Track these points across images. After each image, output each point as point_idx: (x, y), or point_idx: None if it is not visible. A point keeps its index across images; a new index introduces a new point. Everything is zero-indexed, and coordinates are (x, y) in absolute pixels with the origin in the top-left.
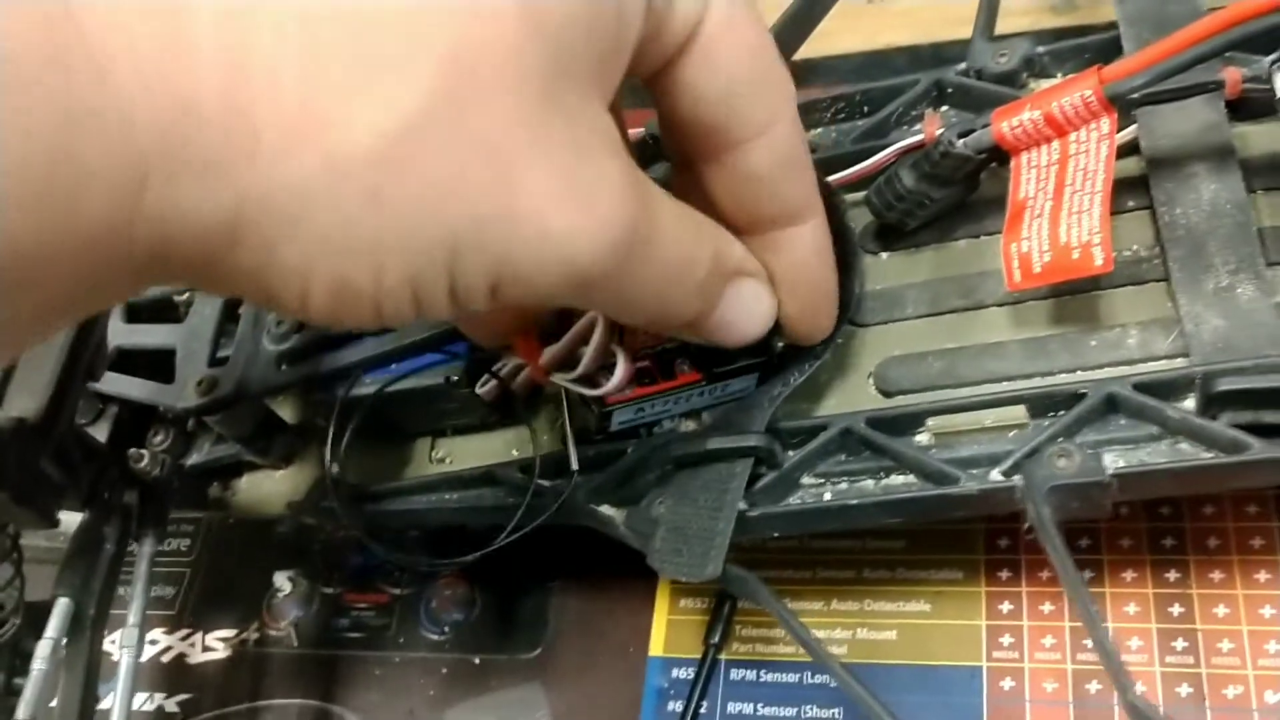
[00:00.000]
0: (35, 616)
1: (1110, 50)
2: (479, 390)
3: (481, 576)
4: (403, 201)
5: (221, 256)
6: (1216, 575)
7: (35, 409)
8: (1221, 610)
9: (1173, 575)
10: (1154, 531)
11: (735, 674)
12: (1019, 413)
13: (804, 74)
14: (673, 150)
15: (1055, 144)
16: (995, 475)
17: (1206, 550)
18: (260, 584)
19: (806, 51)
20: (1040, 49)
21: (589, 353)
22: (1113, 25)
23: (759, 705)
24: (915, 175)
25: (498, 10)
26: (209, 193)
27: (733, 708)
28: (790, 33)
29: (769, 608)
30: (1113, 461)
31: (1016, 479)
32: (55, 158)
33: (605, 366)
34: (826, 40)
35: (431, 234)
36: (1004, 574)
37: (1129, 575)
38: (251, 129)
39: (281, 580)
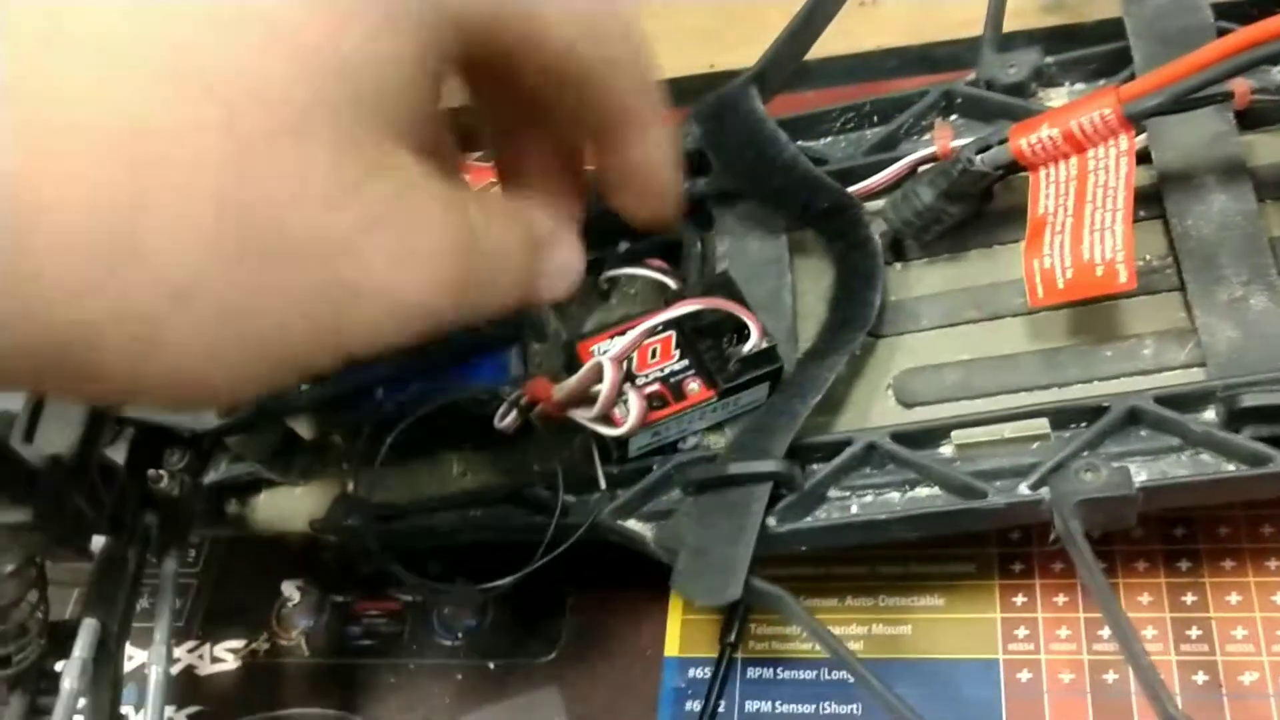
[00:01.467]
0: (58, 636)
1: (1118, 61)
2: (499, 424)
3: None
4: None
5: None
6: (1228, 564)
7: (69, 445)
8: (1234, 598)
9: (1185, 565)
10: (1165, 521)
11: (752, 672)
12: (1040, 424)
13: (794, 76)
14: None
15: (1073, 160)
16: (1023, 489)
17: (1218, 539)
18: (269, 594)
19: None
20: (1049, 59)
21: (603, 394)
22: (1103, 24)
23: (777, 703)
24: (933, 191)
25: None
26: None
27: (750, 706)
28: (798, 37)
29: (796, 620)
30: (1137, 474)
31: (1043, 492)
32: None
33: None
34: (817, 42)
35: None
36: (1017, 567)
37: (1141, 565)
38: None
39: (290, 589)
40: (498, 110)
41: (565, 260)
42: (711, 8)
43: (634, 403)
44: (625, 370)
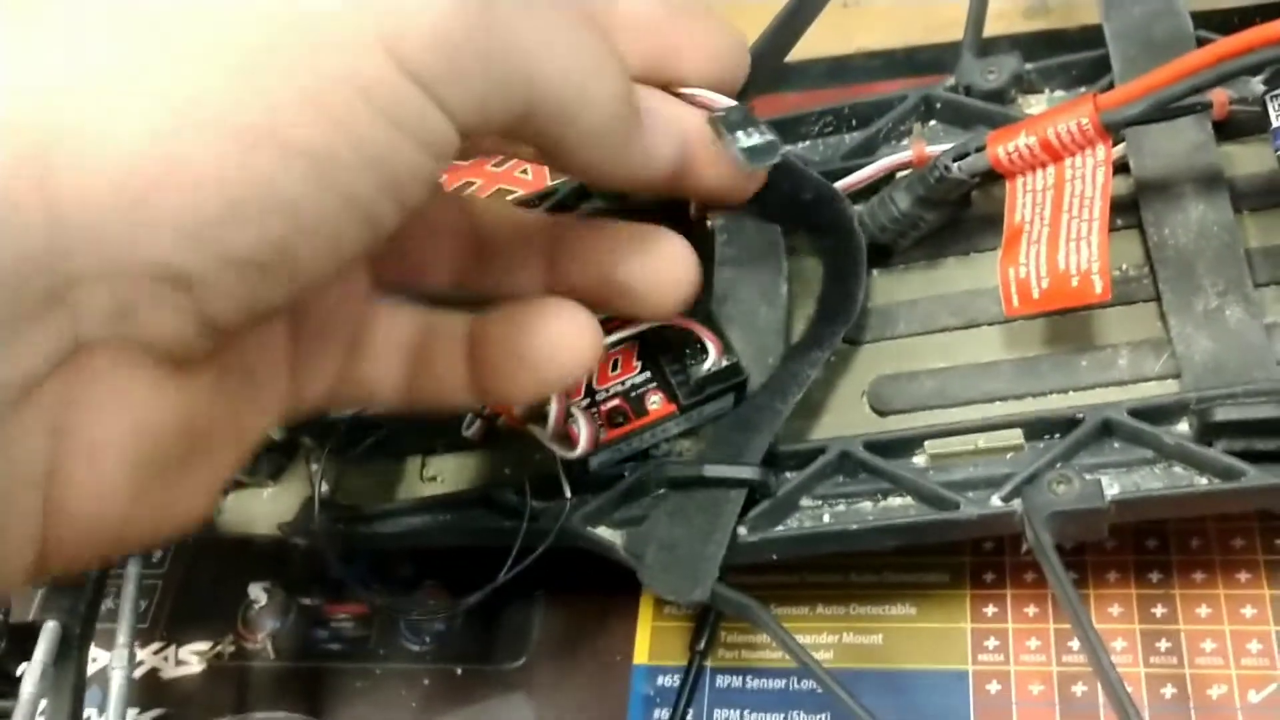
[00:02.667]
0: (18, 639)
1: (1098, 68)
2: (466, 433)
3: (462, 586)
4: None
5: None
6: (1199, 576)
7: None
8: (1204, 610)
9: (1155, 576)
10: (1137, 532)
11: (721, 681)
12: (1014, 434)
13: (778, 77)
14: None
15: (1050, 169)
16: (995, 501)
17: (1189, 550)
18: (235, 596)
19: None
20: (1029, 66)
21: (551, 416)
22: (1086, 30)
23: (745, 712)
24: (910, 198)
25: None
26: None
27: (719, 714)
28: (779, 37)
29: (766, 629)
30: (1109, 486)
31: (1016, 504)
32: None
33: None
34: (800, 43)
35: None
36: (989, 576)
37: (1112, 576)
38: None
39: (257, 591)
40: None
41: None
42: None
43: (583, 427)
44: (586, 385)
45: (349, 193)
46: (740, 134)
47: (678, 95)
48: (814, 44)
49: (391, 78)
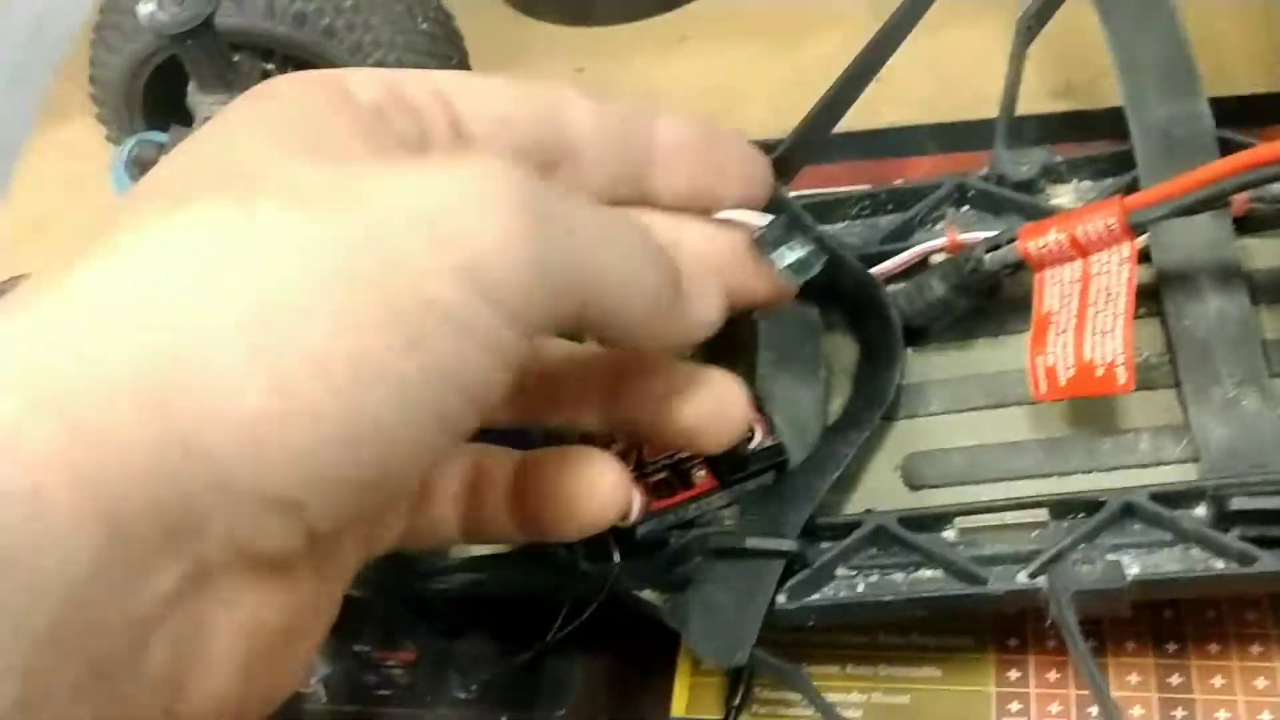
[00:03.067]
0: None
1: (1123, 163)
2: None
3: (510, 634)
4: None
5: None
6: (1214, 647)
7: None
8: (1219, 681)
9: (1172, 646)
10: (1155, 604)
11: None
12: (1040, 513)
13: (806, 150)
14: None
15: (1078, 263)
16: (1021, 578)
17: (1204, 622)
18: None
19: None
20: (1058, 159)
21: None
22: (1112, 112)
23: None
24: (944, 286)
25: None
26: None
27: None
28: (820, 122)
29: (803, 693)
30: (1130, 566)
31: (1041, 581)
32: None
33: None
34: None
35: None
36: (1012, 641)
37: (1130, 645)
38: None
39: None
40: None
41: (701, 233)
42: (726, 72)
43: (636, 500)
44: (636, 457)
45: (440, 412)
46: (784, 249)
47: (716, 220)
48: (847, 117)
49: (472, 302)
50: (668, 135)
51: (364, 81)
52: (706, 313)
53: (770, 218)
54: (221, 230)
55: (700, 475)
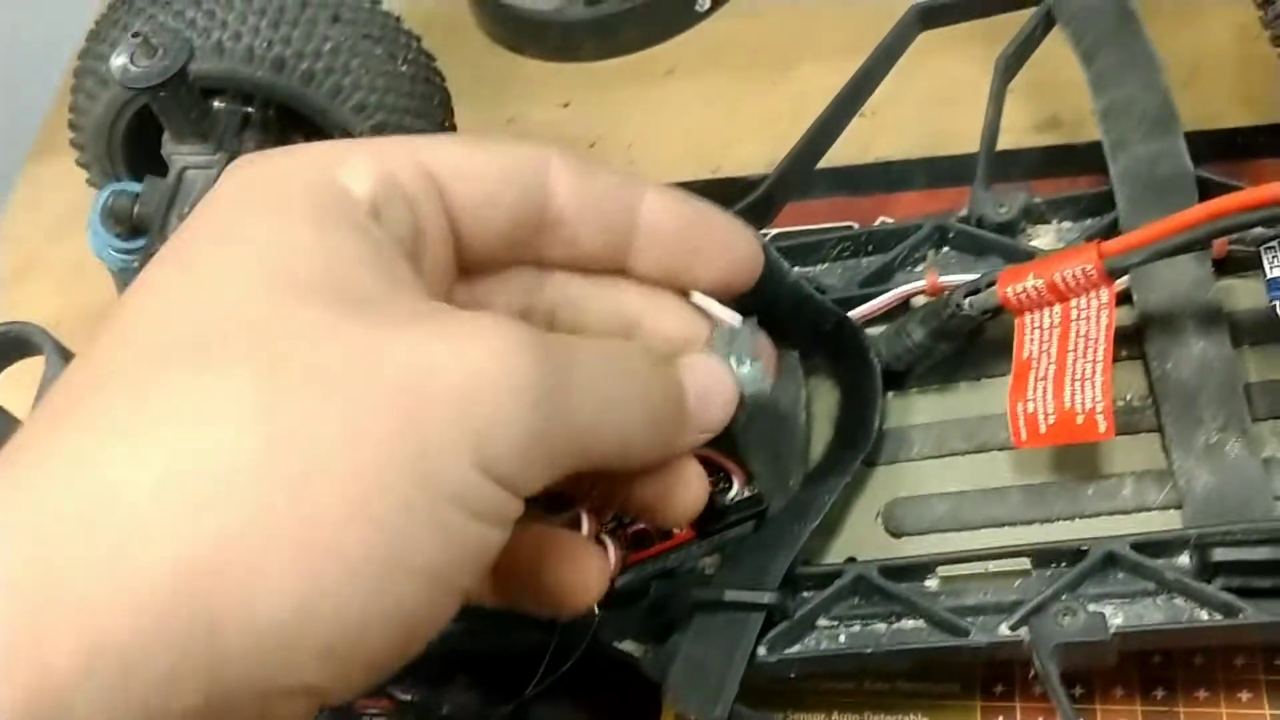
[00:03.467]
0: None
1: (1102, 204)
2: None
3: (491, 686)
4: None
5: None
6: (1202, 693)
7: None
8: None
9: (1160, 693)
10: (1142, 650)
11: None
12: (1022, 562)
13: (790, 185)
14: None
15: (1057, 308)
16: (1004, 629)
17: (1192, 668)
18: None
19: None
20: (1037, 199)
21: None
22: (1095, 146)
23: None
24: (924, 330)
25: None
26: None
27: None
28: (809, 149)
29: None
30: (1113, 617)
31: (1023, 633)
32: None
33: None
34: None
35: None
36: (999, 688)
37: (1119, 692)
38: None
39: None
40: None
41: (709, 370)
42: (712, 106)
43: (611, 551)
44: (608, 521)
45: (459, 585)
46: (732, 359)
47: (690, 303)
48: (833, 152)
49: (478, 482)
50: (653, 212)
51: (357, 170)
52: (710, 422)
53: (735, 317)
54: (249, 424)
55: (684, 537)
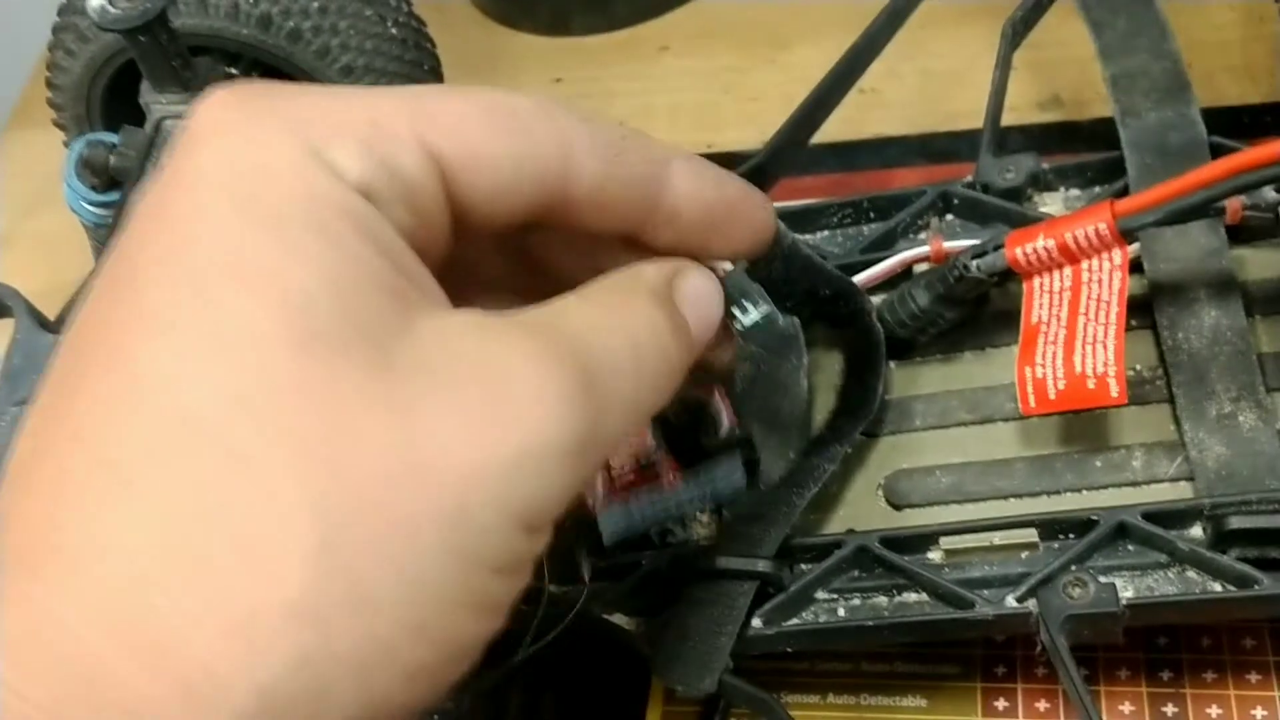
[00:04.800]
0: None
1: (1112, 170)
2: None
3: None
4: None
5: None
6: (1209, 675)
7: None
8: (1215, 710)
9: (1166, 674)
10: (1148, 630)
11: None
12: (1029, 533)
13: (798, 162)
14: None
15: (1067, 270)
16: (1010, 601)
17: (1199, 649)
18: None
19: None
20: (1045, 165)
21: None
22: (1099, 123)
23: None
24: (929, 296)
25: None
26: None
27: None
28: (803, 123)
29: None
30: (1124, 590)
31: (1030, 604)
32: None
33: None
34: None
35: None
36: (1000, 670)
37: (1124, 673)
38: None
39: None
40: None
41: (695, 286)
42: (706, 83)
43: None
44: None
45: (490, 637)
46: (742, 303)
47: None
48: (830, 129)
49: (520, 544)
50: (677, 198)
51: (346, 149)
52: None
53: (730, 267)
54: (307, 557)
55: (671, 477)
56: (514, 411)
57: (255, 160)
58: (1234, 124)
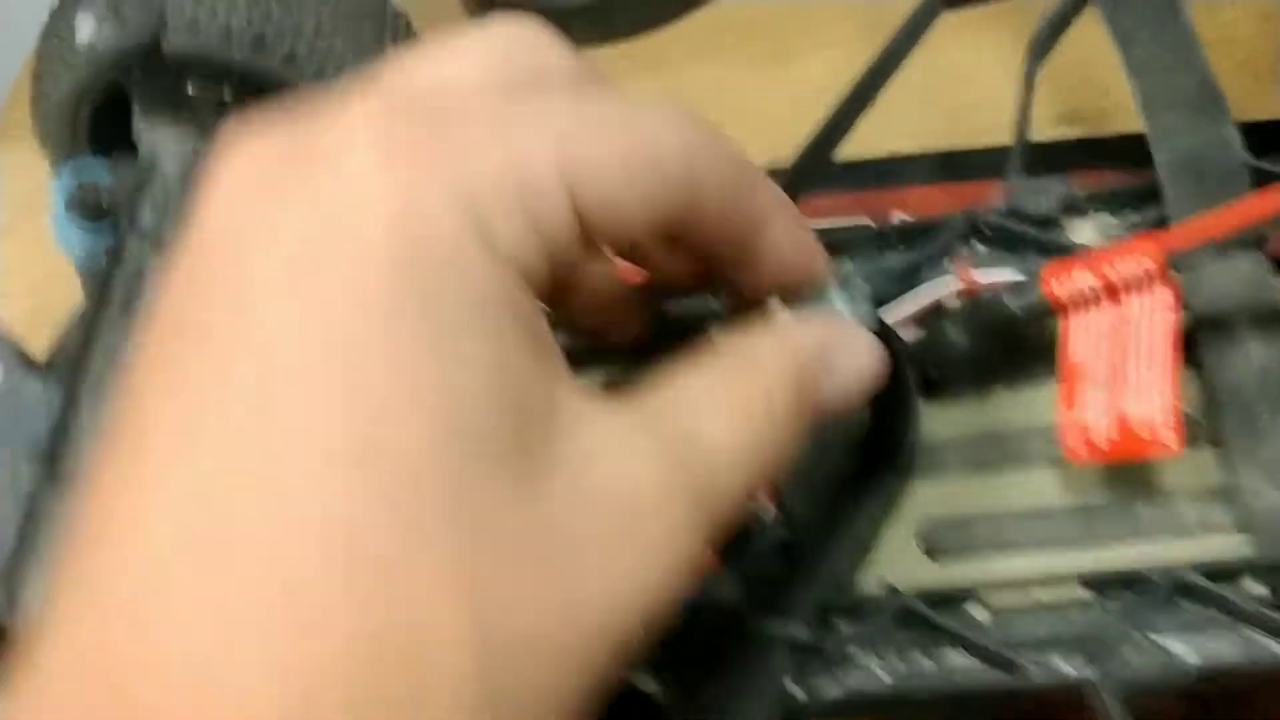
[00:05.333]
0: None
1: (1146, 196)
2: None
3: None
4: None
5: None
6: None
7: None
8: None
9: None
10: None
11: None
12: (1079, 589)
13: (806, 178)
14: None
15: (1110, 310)
16: (1064, 666)
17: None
18: None
19: None
20: (1076, 191)
21: None
22: (1124, 139)
23: None
24: (962, 333)
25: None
26: None
27: None
28: (819, 151)
29: None
30: (1188, 655)
31: (1090, 672)
32: None
33: None
34: None
35: None
36: None
37: None
38: None
39: None
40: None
41: (850, 358)
42: (709, 96)
43: None
44: None
45: None
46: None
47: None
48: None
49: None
50: (771, 240)
51: (508, 219)
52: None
53: None
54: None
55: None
56: (647, 544)
57: (419, 234)
58: (1273, 139)
